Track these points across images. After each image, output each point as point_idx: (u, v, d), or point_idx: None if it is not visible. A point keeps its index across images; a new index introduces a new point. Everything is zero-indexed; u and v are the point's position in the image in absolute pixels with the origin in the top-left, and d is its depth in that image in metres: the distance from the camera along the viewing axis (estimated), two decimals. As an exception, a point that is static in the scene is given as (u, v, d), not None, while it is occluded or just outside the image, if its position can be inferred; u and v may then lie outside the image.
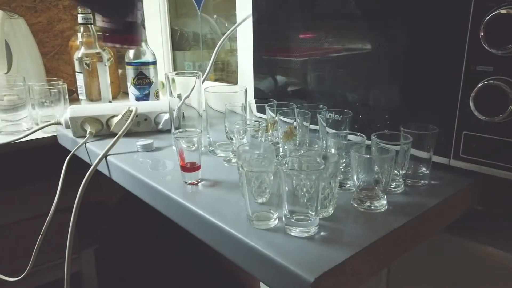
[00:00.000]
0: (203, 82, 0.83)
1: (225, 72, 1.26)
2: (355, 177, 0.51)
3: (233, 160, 0.68)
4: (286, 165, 0.45)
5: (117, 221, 1.21)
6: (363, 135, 0.55)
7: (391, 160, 0.48)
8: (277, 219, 0.47)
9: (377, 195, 0.50)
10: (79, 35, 1.06)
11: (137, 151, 0.74)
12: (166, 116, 0.85)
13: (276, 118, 0.66)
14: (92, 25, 1.02)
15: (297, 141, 0.66)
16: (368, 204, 0.50)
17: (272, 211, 0.47)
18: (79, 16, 1.00)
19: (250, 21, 0.90)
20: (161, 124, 0.86)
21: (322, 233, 0.45)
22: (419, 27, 0.59)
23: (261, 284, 1.09)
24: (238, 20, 0.94)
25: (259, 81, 0.91)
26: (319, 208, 0.45)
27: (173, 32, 1.27)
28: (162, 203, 0.59)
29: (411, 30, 0.60)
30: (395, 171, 0.55)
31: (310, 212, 0.45)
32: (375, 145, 0.54)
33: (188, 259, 1.26)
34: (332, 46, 0.72)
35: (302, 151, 0.62)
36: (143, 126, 0.87)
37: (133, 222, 1.23)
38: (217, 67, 1.27)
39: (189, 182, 0.59)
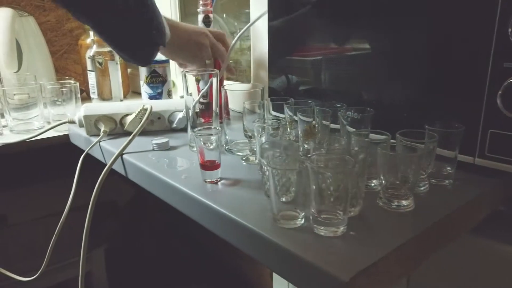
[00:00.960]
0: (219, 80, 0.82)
1: (236, 71, 1.25)
2: (381, 176, 0.50)
3: (251, 158, 0.68)
4: (314, 163, 0.44)
5: (127, 221, 1.20)
6: (387, 133, 0.54)
7: (420, 159, 0.47)
8: (303, 219, 0.47)
9: (405, 194, 0.49)
10: (91, 33, 1.05)
11: (153, 149, 0.74)
12: (180, 115, 0.85)
13: (297, 117, 0.65)
14: (104, 23, 1.01)
15: (316, 140, 0.65)
16: (396, 203, 0.49)
17: (298, 210, 0.46)
18: (91, 14, 0.99)
19: (264, 19, 0.89)
20: (175, 122, 0.85)
21: (351, 233, 0.44)
22: (443, 22, 0.58)
23: (274, 284, 1.09)
24: (252, 18, 0.93)
25: (274, 79, 0.90)
26: (348, 207, 0.44)
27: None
28: (183, 202, 0.58)
29: (435, 26, 0.59)
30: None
31: (339, 212, 0.44)
32: (400, 144, 0.53)
33: (199, 259, 1.25)
34: (350, 43, 0.71)
35: (323, 150, 0.61)
36: (156, 125, 0.86)
37: (143, 222, 1.22)
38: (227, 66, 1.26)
39: (209, 180, 0.59)
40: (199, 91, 0.76)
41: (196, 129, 0.58)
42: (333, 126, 0.66)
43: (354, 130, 0.61)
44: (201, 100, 0.76)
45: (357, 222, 0.46)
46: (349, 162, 0.44)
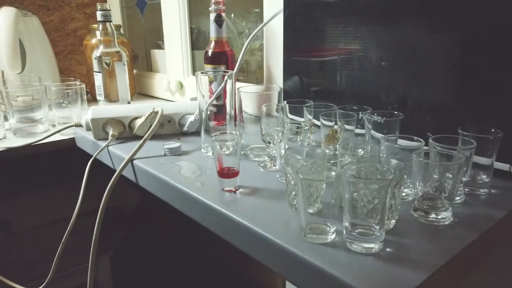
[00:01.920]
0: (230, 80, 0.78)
1: (245, 73, 1.22)
2: (417, 185, 0.46)
3: (269, 165, 0.64)
4: (348, 173, 0.41)
5: (133, 228, 1.17)
6: (420, 139, 0.50)
7: (460, 167, 0.44)
8: (334, 233, 0.43)
9: (443, 205, 0.45)
10: (97, 33, 1.02)
11: (165, 154, 0.70)
12: (191, 118, 0.81)
13: (317, 121, 0.61)
14: (111, 23, 0.98)
15: (339, 146, 0.61)
16: (434, 215, 0.45)
17: (328, 224, 0.43)
18: (98, 13, 0.96)
19: (277, 19, 0.86)
20: (186, 126, 0.82)
21: (388, 249, 0.41)
22: (478, 18, 0.54)
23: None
24: (266, 16, 0.89)
25: (288, 81, 0.86)
26: (385, 221, 0.40)
27: (190, 31, 1.23)
28: (199, 212, 0.54)
29: (471, 21, 0.55)
30: (454, 179, 0.51)
31: (374, 226, 0.40)
32: (434, 150, 0.49)
33: (209, 267, 1.21)
34: (373, 42, 0.67)
35: (346, 156, 0.57)
36: (166, 128, 0.83)
37: (151, 228, 1.19)
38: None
39: (227, 189, 0.55)
40: (211, 93, 0.73)
41: (213, 134, 0.54)
42: (357, 131, 0.62)
43: (381, 135, 0.57)
44: (214, 102, 0.73)
45: (393, 237, 0.43)
46: (387, 171, 0.41)
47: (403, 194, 0.51)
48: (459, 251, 0.40)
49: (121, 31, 1.30)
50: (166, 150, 0.70)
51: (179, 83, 1.20)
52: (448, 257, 0.39)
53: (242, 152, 0.69)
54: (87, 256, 0.70)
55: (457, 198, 0.51)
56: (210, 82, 0.73)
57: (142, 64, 1.48)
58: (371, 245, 0.40)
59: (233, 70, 0.86)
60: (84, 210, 0.74)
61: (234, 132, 0.57)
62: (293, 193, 0.48)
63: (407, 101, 0.65)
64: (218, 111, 0.74)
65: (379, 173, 0.42)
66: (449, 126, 0.55)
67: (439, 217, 0.45)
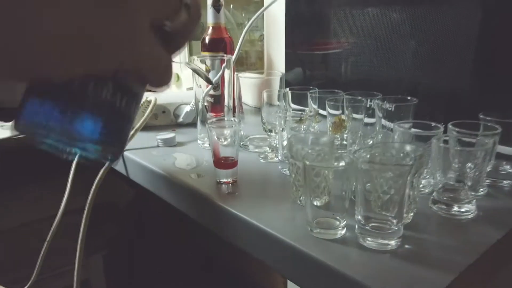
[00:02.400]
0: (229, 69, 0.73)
1: (244, 65, 1.17)
2: (436, 175, 0.41)
3: (270, 155, 0.59)
4: (361, 159, 0.36)
5: (127, 225, 1.12)
6: (438, 125, 0.45)
7: (486, 153, 0.39)
8: (345, 228, 0.38)
9: (466, 197, 0.40)
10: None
11: (157, 145, 0.65)
12: (187, 108, 0.76)
13: (324, 110, 0.57)
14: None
15: (346, 134, 0.56)
16: (456, 208, 0.40)
17: (338, 217, 0.38)
18: None
19: (279, 5, 0.81)
20: (181, 116, 0.77)
21: (406, 246, 0.36)
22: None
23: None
24: (266, 3, 0.84)
25: (292, 71, 0.82)
26: (403, 214, 0.35)
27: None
28: (193, 206, 0.50)
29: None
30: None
31: (391, 220, 0.35)
32: (453, 137, 0.44)
33: (205, 265, 1.16)
34: (384, 25, 0.62)
35: (354, 146, 0.53)
36: (161, 119, 0.77)
37: (145, 226, 1.14)
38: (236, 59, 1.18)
39: (225, 181, 0.50)
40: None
41: (209, 121, 0.49)
42: (366, 120, 0.57)
43: (394, 123, 0.52)
44: (211, 92, 0.68)
45: (411, 232, 0.38)
46: (405, 157, 0.36)
47: (420, 185, 0.46)
48: (487, 249, 0.35)
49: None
50: (159, 141, 0.65)
51: (175, 75, 1.15)
52: (476, 255, 0.34)
53: (241, 143, 0.65)
54: (76, 256, 0.65)
55: (480, 189, 0.46)
56: (208, 71, 0.68)
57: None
58: (388, 241, 0.35)
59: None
60: (73, 207, 0.69)
61: (232, 119, 0.52)
62: (297, 184, 0.43)
63: (419, 88, 0.60)
64: (216, 102, 0.69)
65: (396, 160, 0.38)
66: (466, 114, 0.50)
67: (462, 210, 0.40)
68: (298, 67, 0.83)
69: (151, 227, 1.14)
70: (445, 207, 0.41)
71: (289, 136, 0.46)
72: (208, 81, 0.62)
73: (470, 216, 0.40)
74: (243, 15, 1.27)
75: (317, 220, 0.38)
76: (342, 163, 0.38)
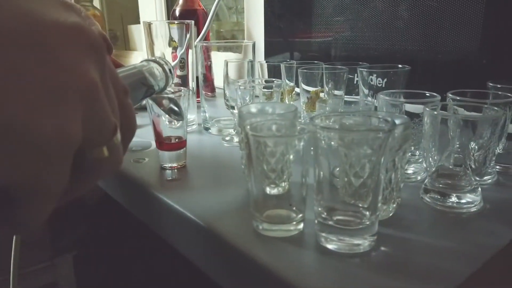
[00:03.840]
0: (200, 39, 0.64)
1: (233, 48, 1.07)
2: (430, 156, 0.31)
3: (236, 139, 0.49)
4: (322, 126, 0.26)
5: (98, 223, 1.03)
6: (434, 93, 0.35)
7: (496, 125, 0.29)
8: (302, 223, 0.28)
9: (469, 183, 0.30)
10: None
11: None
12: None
13: (296, 84, 0.47)
14: None
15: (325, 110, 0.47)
16: (455, 199, 0.30)
17: (294, 208, 0.28)
18: None
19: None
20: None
21: (383, 248, 0.26)
22: None
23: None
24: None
25: (272, 39, 0.72)
26: (378, 203, 0.26)
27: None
28: (129, 196, 0.40)
29: None
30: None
31: (363, 211, 0.26)
32: (453, 108, 0.34)
33: (182, 264, 1.07)
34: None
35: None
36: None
37: (117, 223, 1.04)
38: (224, 45, 1.10)
39: (169, 166, 0.40)
40: (174, 60, 0.59)
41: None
42: (349, 98, 0.48)
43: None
44: (178, 72, 0.59)
45: (391, 230, 0.28)
46: (380, 126, 0.26)
47: (410, 171, 0.36)
48: (495, 253, 0.25)
49: (93, 3, 1.16)
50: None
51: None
52: (481, 262, 0.24)
53: (204, 125, 0.55)
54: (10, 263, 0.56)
55: (487, 176, 0.36)
56: (175, 48, 0.59)
57: (121, 45, 1.34)
58: (358, 241, 0.25)
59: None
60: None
61: (181, 88, 0.43)
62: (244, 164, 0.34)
63: (415, 59, 0.50)
64: (183, 84, 0.60)
65: (375, 130, 0.28)
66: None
67: (462, 201, 0.30)
68: (283, 34, 0.72)
69: (124, 224, 1.05)
70: (439, 197, 0.31)
71: (242, 106, 0.37)
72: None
73: (473, 209, 0.30)
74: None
75: (267, 213, 0.28)
76: (300, 133, 0.28)
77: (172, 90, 0.39)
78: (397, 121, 0.28)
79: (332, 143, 0.26)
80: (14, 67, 0.12)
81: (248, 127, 0.27)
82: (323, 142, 0.26)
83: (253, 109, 0.35)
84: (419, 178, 0.36)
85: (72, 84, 0.14)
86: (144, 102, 0.66)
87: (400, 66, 0.42)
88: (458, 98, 0.34)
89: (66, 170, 0.15)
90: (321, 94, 0.48)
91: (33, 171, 0.13)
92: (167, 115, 0.39)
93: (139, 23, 1.18)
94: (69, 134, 0.14)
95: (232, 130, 0.51)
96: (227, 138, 0.50)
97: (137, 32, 1.18)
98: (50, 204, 0.15)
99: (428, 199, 0.31)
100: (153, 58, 0.33)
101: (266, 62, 0.55)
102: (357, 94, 0.48)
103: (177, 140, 0.40)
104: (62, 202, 0.18)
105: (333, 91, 0.47)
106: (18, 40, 0.13)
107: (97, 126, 0.16)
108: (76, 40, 0.15)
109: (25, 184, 0.13)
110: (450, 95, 0.35)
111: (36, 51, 0.13)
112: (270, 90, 0.44)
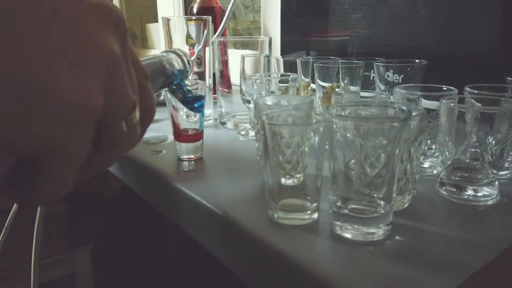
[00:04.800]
0: (217, 36, 0.65)
1: (249, 44, 1.08)
2: (446, 150, 0.31)
3: (251, 133, 0.50)
4: (337, 116, 0.26)
5: (115, 216, 1.05)
6: (452, 87, 0.35)
7: (514, 118, 0.29)
8: (316, 212, 0.29)
9: (486, 176, 0.30)
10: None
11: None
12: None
13: (312, 80, 0.47)
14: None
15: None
16: (472, 192, 0.30)
17: (309, 198, 0.29)
18: None
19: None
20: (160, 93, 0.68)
21: (397, 238, 0.26)
22: None
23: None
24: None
25: (288, 36, 0.72)
26: (394, 193, 0.26)
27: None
28: (147, 186, 0.41)
29: None
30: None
31: (378, 201, 0.26)
32: (471, 98, 0.34)
33: (198, 259, 1.08)
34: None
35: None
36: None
37: (134, 217, 1.06)
38: (241, 41, 1.10)
39: (186, 157, 0.41)
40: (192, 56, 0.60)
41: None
42: (364, 93, 0.48)
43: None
44: (195, 69, 0.60)
45: (406, 221, 0.28)
46: (396, 117, 0.26)
47: (426, 165, 0.36)
48: (509, 246, 0.25)
49: (112, 1, 1.18)
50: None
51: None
52: (495, 253, 0.24)
53: (221, 120, 0.56)
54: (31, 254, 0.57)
55: (504, 172, 0.35)
56: (192, 45, 0.60)
57: (139, 43, 1.36)
58: (372, 229, 0.26)
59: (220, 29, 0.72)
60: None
61: (198, 81, 0.44)
62: (259, 154, 0.34)
63: (432, 56, 0.50)
64: (200, 80, 0.61)
65: (390, 121, 0.28)
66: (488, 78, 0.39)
67: (479, 194, 0.30)
68: (295, 37, 0.72)
69: (141, 218, 1.06)
70: (455, 190, 0.31)
71: (259, 98, 0.37)
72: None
73: (490, 202, 0.30)
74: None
75: (282, 202, 0.29)
76: (316, 124, 0.29)
77: (190, 84, 0.40)
78: (413, 113, 0.28)
79: (348, 134, 0.26)
80: (36, 33, 0.13)
81: (265, 117, 0.28)
82: (338, 134, 0.26)
83: (269, 101, 0.36)
84: (435, 172, 0.36)
85: (94, 54, 0.15)
86: (162, 97, 0.67)
87: (417, 61, 0.42)
88: (475, 91, 0.34)
89: (88, 137, 0.15)
90: (337, 90, 0.48)
91: (54, 134, 0.14)
92: (185, 109, 0.40)
93: (157, 21, 1.20)
94: (91, 100, 0.14)
95: (248, 124, 0.52)
96: (243, 132, 0.51)
97: (155, 31, 1.20)
98: (73, 171, 0.15)
99: (444, 192, 0.31)
100: (173, 49, 0.34)
101: (282, 57, 0.56)
102: (373, 90, 0.48)
103: (194, 132, 0.41)
104: (85, 177, 0.18)
105: (349, 87, 0.48)
106: (42, 11, 0.13)
107: (116, 98, 0.16)
108: (101, 15, 0.15)
109: (47, 148, 0.14)
110: (467, 88, 0.35)
111: (60, 22, 0.14)
112: (285, 84, 0.45)
